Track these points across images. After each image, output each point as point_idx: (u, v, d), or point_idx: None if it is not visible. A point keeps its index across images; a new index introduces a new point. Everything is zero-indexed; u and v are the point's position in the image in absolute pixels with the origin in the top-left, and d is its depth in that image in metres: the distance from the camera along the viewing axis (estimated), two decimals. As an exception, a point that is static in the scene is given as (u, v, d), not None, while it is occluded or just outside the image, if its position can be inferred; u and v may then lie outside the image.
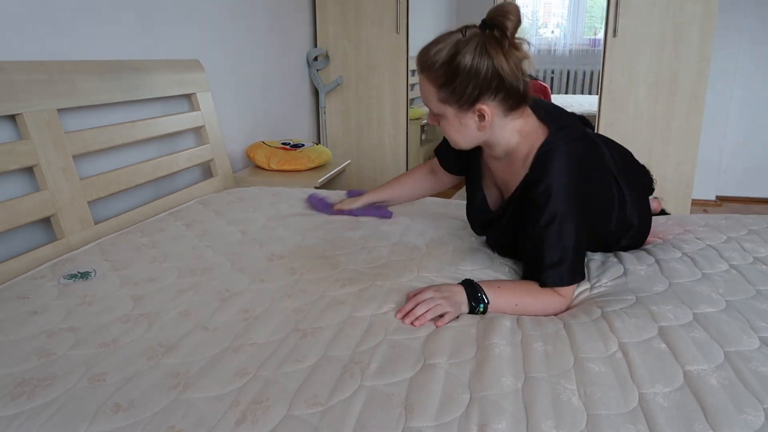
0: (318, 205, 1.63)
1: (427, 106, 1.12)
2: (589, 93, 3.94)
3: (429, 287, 1.04)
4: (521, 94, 1.04)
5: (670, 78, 2.68)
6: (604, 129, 2.81)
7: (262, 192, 1.87)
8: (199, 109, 1.98)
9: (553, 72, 3.99)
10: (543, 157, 1.06)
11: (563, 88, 4.05)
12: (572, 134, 1.10)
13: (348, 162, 2.63)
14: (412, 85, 3.13)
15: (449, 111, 1.07)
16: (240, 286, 1.12)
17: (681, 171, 2.77)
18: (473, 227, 1.35)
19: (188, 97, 1.98)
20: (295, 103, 2.92)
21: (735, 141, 3.53)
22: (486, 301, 1.03)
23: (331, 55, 3.05)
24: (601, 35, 2.89)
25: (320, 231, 1.45)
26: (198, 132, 2.02)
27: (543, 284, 1.06)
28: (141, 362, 0.84)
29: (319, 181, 2.17)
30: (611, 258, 1.27)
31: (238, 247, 1.35)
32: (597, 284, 1.16)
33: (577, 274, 1.08)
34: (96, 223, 1.48)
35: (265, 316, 0.99)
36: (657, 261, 1.23)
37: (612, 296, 1.09)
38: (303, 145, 2.36)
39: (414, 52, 2.97)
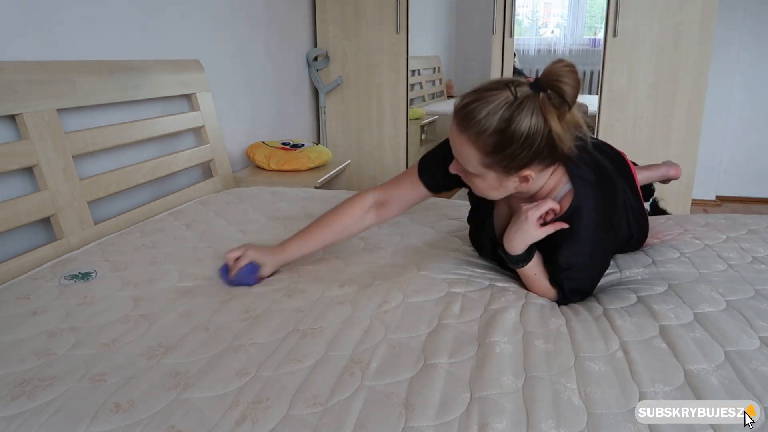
0: (239, 279, 1.14)
1: (459, 161, 1.01)
2: (589, 93, 3.93)
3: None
4: (564, 154, 0.97)
5: (670, 78, 2.68)
6: (604, 129, 2.82)
7: (262, 192, 1.87)
8: (199, 109, 1.98)
9: (553, 72, 3.99)
10: (575, 212, 1.02)
11: (563, 88, 4.05)
12: (591, 181, 1.04)
13: (348, 162, 2.63)
14: (412, 85, 3.13)
15: (491, 175, 0.98)
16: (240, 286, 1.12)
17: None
18: (479, 249, 1.28)
19: (188, 97, 1.98)
20: (295, 103, 2.92)
21: (735, 141, 3.53)
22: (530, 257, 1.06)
23: (331, 55, 3.04)
24: (601, 35, 2.89)
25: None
26: (198, 132, 2.02)
27: (562, 302, 1.10)
28: (141, 362, 0.84)
29: (318, 181, 2.16)
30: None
31: (238, 247, 1.34)
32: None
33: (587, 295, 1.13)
34: (96, 223, 1.48)
35: (265, 316, 0.99)
36: (654, 262, 1.23)
37: (612, 294, 1.10)
38: (303, 145, 2.36)
39: (414, 52, 2.98)
